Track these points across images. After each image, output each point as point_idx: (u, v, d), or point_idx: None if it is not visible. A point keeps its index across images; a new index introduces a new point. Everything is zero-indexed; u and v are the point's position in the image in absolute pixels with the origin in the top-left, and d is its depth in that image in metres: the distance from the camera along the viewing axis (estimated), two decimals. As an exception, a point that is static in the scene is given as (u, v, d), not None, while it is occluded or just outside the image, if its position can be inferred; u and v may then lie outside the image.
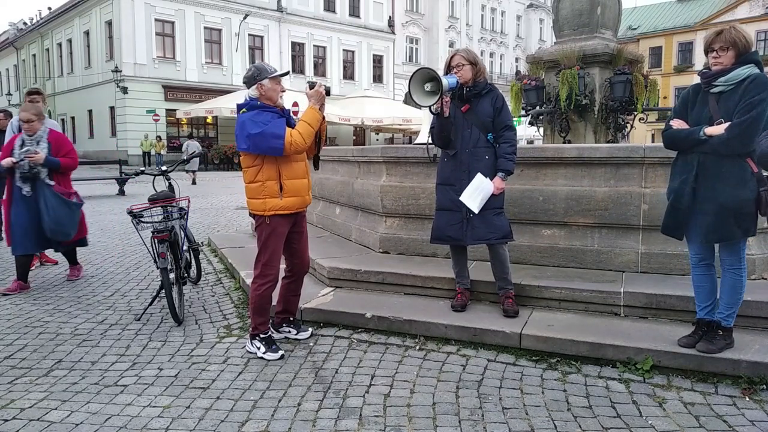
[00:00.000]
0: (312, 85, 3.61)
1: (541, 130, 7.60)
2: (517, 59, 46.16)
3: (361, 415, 2.85)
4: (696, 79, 3.19)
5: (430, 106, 3.66)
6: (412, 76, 3.64)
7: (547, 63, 7.06)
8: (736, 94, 2.96)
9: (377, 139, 37.12)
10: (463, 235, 3.83)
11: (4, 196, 5.32)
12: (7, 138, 5.68)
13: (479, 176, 3.75)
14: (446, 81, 3.64)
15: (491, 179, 3.77)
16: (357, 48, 36.95)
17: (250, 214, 3.74)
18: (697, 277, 3.28)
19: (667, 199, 3.28)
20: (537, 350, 3.51)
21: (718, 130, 2.97)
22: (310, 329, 3.99)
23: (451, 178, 3.87)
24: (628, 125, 7.40)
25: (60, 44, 35.07)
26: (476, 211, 3.73)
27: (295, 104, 24.30)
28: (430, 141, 4.07)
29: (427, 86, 3.64)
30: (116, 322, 4.35)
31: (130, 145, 27.70)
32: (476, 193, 3.72)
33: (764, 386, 3.02)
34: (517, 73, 26.20)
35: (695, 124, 3.10)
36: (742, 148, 2.93)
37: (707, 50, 3.07)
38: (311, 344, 3.82)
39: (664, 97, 40.66)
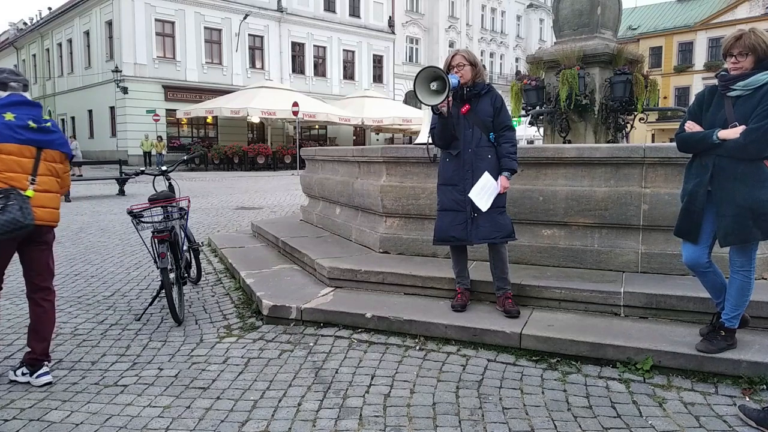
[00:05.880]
0: None
1: (541, 130, 7.60)
2: (517, 59, 46.16)
3: (361, 415, 2.85)
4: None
5: (437, 105, 3.64)
6: (417, 75, 3.62)
7: (547, 63, 7.07)
8: (753, 98, 2.95)
9: (377, 139, 37.12)
10: (468, 234, 3.83)
11: None
12: None
13: (486, 175, 3.75)
14: (454, 80, 3.64)
15: (495, 178, 3.77)
16: (357, 48, 36.95)
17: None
18: (708, 281, 3.27)
19: (680, 201, 3.26)
20: (537, 350, 3.51)
21: (731, 133, 2.95)
22: (47, 378, 3.26)
23: (455, 178, 3.87)
24: (628, 125, 7.40)
25: (60, 44, 35.06)
26: (485, 209, 3.73)
27: (295, 104, 24.35)
28: (430, 141, 4.07)
29: (433, 85, 3.63)
30: (116, 322, 4.35)
31: (130, 145, 27.70)
32: (483, 191, 3.73)
33: (764, 386, 3.02)
34: (517, 73, 26.22)
35: (710, 126, 3.08)
36: (758, 154, 2.92)
37: (725, 55, 3.05)
38: (311, 344, 3.82)
39: (664, 97, 40.68)
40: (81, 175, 14.06)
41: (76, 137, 32.96)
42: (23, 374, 3.30)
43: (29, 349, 3.35)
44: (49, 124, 3.37)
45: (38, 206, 3.25)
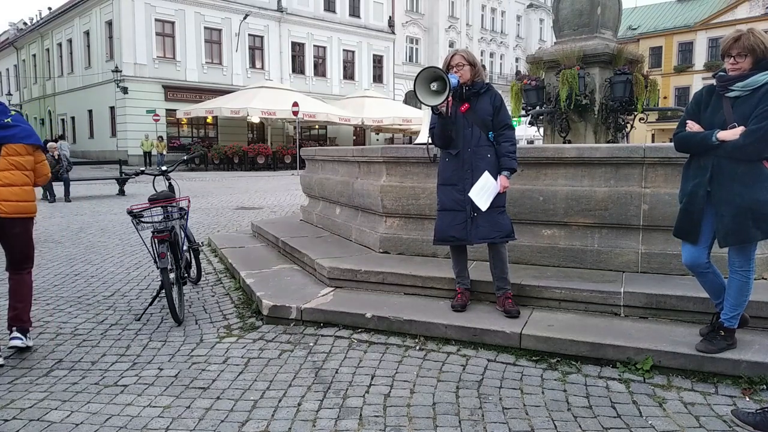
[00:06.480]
0: None
1: (541, 130, 7.61)
2: (517, 59, 46.16)
3: (361, 415, 2.85)
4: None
5: (437, 105, 3.64)
6: (417, 75, 3.62)
7: (547, 63, 7.07)
8: (752, 99, 2.94)
9: (377, 139, 37.12)
10: (468, 234, 3.83)
11: None
12: None
13: (486, 174, 3.75)
14: (453, 80, 3.64)
15: (495, 178, 3.77)
16: (357, 48, 36.95)
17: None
18: (707, 281, 3.27)
19: (679, 202, 3.26)
20: (537, 350, 3.51)
21: (730, 134, 2.95)
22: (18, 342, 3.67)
23: (454, 178, 3.87)
24: (628, 125, 7.40)
25: (60, 44, 35.06)
26: (484, 208, 3.73)
27: (295, 104, 24.35)
28: (430, 141, 4.07)
29: (433, 86, 3.63)
30: (116, 322, 4.35)
31: (131, 145, 27.70)
32: (483, 191, 3.73)
33: (764, 386, 3.02)
34: (517, 73, 26.23)
35: (708, 126, 3.08)
36: (757, 155, 2.92)
37: (724, 55, 3.05)
38: (311, 344, 3.82)
39: (664, 97, 40.67)
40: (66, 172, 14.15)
41: (76, 137, 33.18)
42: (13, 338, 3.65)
43: (13, 313, 3.71)
44: (9, 120, 3.51)
45: (1, 200, 3.46)
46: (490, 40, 45.07)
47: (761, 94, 2.92)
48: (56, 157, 13.22)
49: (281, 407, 2.94)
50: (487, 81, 4.04)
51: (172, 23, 28.89)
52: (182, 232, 4.71)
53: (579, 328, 3.61)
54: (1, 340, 3.88)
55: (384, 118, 30.45)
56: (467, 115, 3.84)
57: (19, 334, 3.67)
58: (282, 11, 32.50)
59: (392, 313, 3.98)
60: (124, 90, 27.65)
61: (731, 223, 3.00)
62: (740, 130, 2.93)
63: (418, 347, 3.70)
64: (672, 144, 3.35)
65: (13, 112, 3.63)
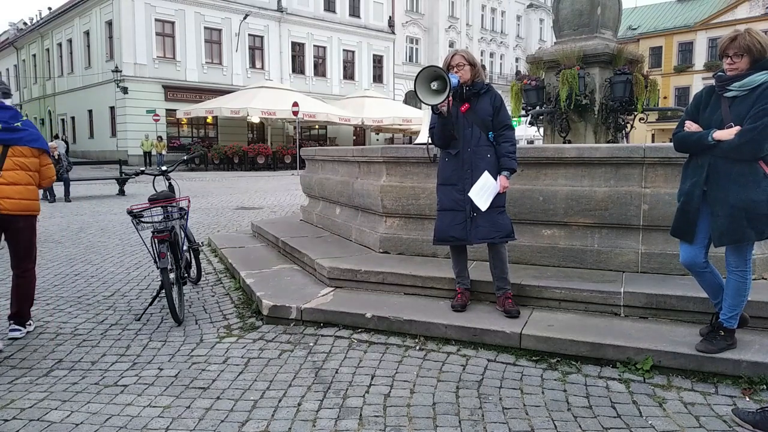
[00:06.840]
0: None
1: (541, 130, 7.61)
2: (517, 59, 46.15)
3: (361, 415, 2.85)
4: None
5: (437, 105, 3.64)
6: (418, 74, 3.62)
7: (547, 63, 7.07)
8: (749, 99, 2.95)
9: (377, 139, 37.11)
10: (467, 234, 3.82)
11: None
12: None
13: (486, 174, 3.75)
14: (454, 80, 3.64)
15: (494, 178, 3.77)
16: (357, 48, 36.94)
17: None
18: (705, 281, 3.27)
19: (677, 201, 3.27)
20: (537, 350, 3.51)
21: (726, 134, 2.96)
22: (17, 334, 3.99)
23: (454, 178, 3.87)
24: (628, 125, 7.40)
25: (60, 44, 35.06)
26: (484, 208, 3.73)
27: (295, 104, 24.35)
28: (430, 141, 4.07)
29: (434, 85, 3.63)
30: (116, 322, 4.35)
31: (131, 145, 27.70)
32: (482, 191, 3.73)
33: (764, 386, 3.02)
34: (517, 73, 26.22)
35: (706, 126, 3.09)
36: (752, 154, 2.93)
37: (722, 56, 3.06)
38: (311, 344, 3.82)
39: (664, 97, 40.69)
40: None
41: (76, 137, 33.16)
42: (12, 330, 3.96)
43: (16, 309, 3.99)
44: (18, 124, 3.78)
45: (3, 197, 3.69)
46: (490, 40, 45.07)
47: (758, 93, 2.93)
48: (56, 157, 13.22)
49: (281, 407, 2.95)
50: (487, 81, 4.04)
51: (172, 23, 28.88)
52: (182, 232, 4.71)
53: (579, 328, 3.61)
54: (1, 341, 3.89)
55: (384, 118, 30.45)
56: (467, 115, 3.84)
57: (17, 326, 4.00)
58: (282, 11, 32.49)
59: (392, 313, 3.98)
60: (124, 90, 27.64)
61: (726, 222, 3.01)
62: (736, 129, 2.94)
63: (418, 347, 3.70)
64: (672, 144, 3.36)
65: (24, 117, 3.90)
